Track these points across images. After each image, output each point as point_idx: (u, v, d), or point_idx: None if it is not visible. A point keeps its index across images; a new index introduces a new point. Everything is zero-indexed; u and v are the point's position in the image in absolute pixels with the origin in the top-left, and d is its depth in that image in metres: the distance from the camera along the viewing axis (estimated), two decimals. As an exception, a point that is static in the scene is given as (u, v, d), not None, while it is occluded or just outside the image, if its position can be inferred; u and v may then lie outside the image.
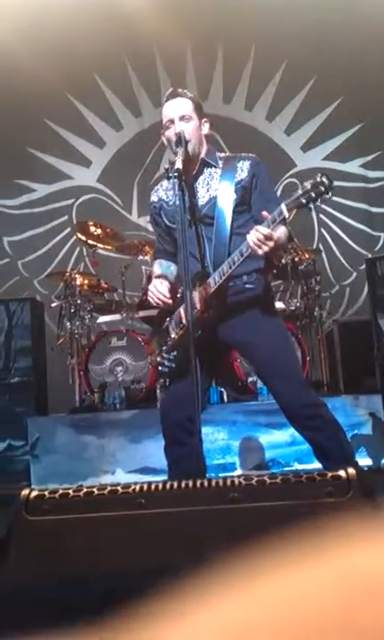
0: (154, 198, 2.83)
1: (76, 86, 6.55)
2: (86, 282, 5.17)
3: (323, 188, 2.26)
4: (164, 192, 2.77)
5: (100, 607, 1.33)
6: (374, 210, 6.41)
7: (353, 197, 6.42)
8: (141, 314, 5.19)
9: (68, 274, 5.15)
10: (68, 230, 6.46)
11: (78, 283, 5.06)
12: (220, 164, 2.67)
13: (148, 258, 5.73)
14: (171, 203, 2.71)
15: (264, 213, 2.38)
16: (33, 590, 1.35)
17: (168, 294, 2.62)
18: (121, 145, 6.71)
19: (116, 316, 5.19)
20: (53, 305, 5.34)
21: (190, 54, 6.49)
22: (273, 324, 2.67)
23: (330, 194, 2.28)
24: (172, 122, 2.62)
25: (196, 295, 2.52)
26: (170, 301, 2.62)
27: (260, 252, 2.36)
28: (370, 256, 5.41)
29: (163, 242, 2.84)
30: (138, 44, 6.37)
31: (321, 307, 5.16)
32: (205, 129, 2.70)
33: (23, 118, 6.45)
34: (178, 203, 2.49)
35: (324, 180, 2.26)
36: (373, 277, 4.18)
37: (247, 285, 2.60)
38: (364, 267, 5.11)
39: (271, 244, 2.35)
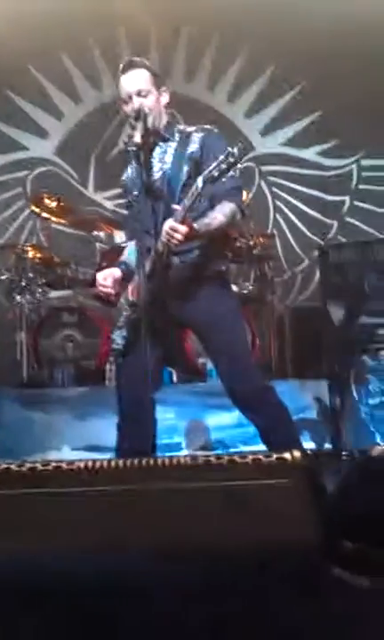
0: (123, 177, 2.79)
1: (36, 56, 6.38)
2: (39, 255, 5.09)
3: (232, 160, 2.27)
4: (131, 168, 2.74)
5: (40, 586, 1.33)
6: (329, 198, 6.47)
7: (308, 185, 6.47)
8: (94, 290, 5.14)
9: (20, 246, 5.06)
10: (22, 203, 6.33)
11: (30, 256, 4.98)
12: (177, 136, 2.63)
13: (102, 234, 5.67)
14: (132, 179, 2.68)
15: (173, 206, 2.39)
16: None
17: (112, 285, 2.59)
18: (80, 118, 6.58)
19: (68, 292, 5.13)
20: (3, 277, 5.24)
21: (154, 30, 6.39)
22: (227, 305, 2.68)
23: (238, 165, 2.32)
24: (129, 97, 2.58)
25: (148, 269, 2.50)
26: (112, 293, 2.60)
27: (170, 244, 2.39)
28: (322, 243, 5.47)
29: (128, 220, 2.81)
30: (101, 16, 6.24)
31: (273, 291, 5.20)
32: (165, 99, 2.66)
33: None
34: (134, 177, 2.47)
35: (235, 151, 2.28)
36: (325, 264, 4.22)
37: (194, 262, 2.60)
38: (316, 254, 5.17)
39: (179, 236, 2.36)
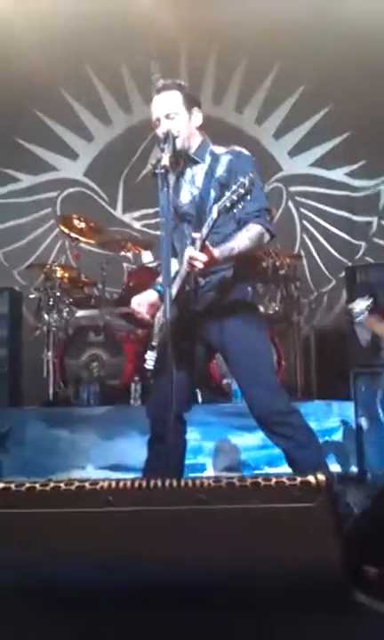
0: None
1: (68, 79, 6.51)
2: (67, 275, 5.14)
3: (242, 191, 2.27)
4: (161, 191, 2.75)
5: (62, 604, 1.33)
6: (356, 218, 6.45)
7: (336, 205, 6.46)
8: (120, 310, 5.18)
9: (48, 266, 5.12)
10: (52, 222, 6.42)
11: (58, 275, 5.04)
12: (208, 159, 2.64)
13: (130, 254, 5.72)
14: (162, 202, 2.70)
15: (193, 234, 2.41)
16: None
17: (147, 309, 2.61)
18: (109, 140, 6.68)
19: (95, 312, 5.16)
20: (32, 296, 5.30)
21: (184, 53, 6.48)
22: (253, 326, 2.67)
23: (248, 197, 2.30)
24: (159, 120, 2.61)
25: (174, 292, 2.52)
26: (147, 317, 2.61)
27: (194, 272, 2.42)
28: (350, 264, 5.45)
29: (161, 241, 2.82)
30: (133, 40, 6.35)
31: (299, 312, 5.18)
32: (197, 120, 2.65)
33: (12, 107, 6.39)
34: (163, 200, 2.49)
35: (246, 181, 2.28)
36: (352, 285, 4.21)
37: (223, 283, 2.60)
38: (343, 274, 5.15)
39: (199, 264, 2.37)
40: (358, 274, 4.21)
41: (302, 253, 6.17)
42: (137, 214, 6.53)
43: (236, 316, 2.60)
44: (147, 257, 6.20)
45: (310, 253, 6.39)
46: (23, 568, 1.36)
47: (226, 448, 4.22)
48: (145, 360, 2.68)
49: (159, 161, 2.40)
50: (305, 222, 6.49)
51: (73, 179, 6.65)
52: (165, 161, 2.40)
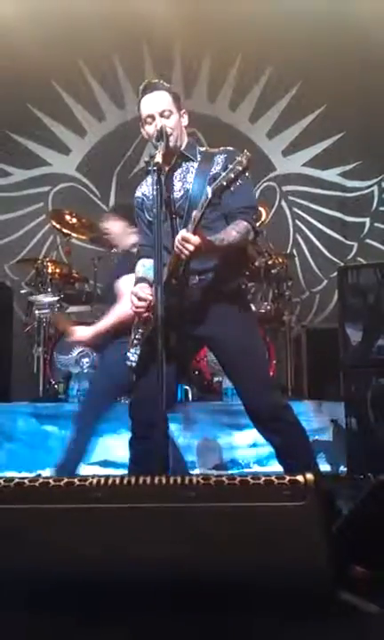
0: (138, 194, 2.81)
1: (61, 73, 6.48)
2: (58, 270, 5.13)
3: (240, 168, 2.28)
4: (148, 187, 2.75)
5: (49, 597, 1.32)
6: (349, 219, 6.47)
7: (329, 205, 6.47)
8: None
9: (39, 261, 5.10)
10: (43, 217, 6.39)
11: (50, 271, 5.02)
12: (199, 157, 2.65)
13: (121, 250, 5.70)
14: (151, 198, 2.69)
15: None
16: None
17: (147, 303, 2.56)
18: (102, 135, 6.66)
19: (86, 307, 5.15)
20: (23, 292, 5.28)
21: (178, 50, 6.47)
22: (245, 322, 2.67)
23: (246, 174, 2.31)
24: (151, 117, 2.61)
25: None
26: (145, 310, 2.56)
27: (182, 255, 2.39)
28: (342, 264, 5.45)
29: (145, 238, 2.81)
30: (127, 36, 6.33)
31: (290, 311, 5.18)
32: (185, 121, 2.69)
33: (5, 101, 6.36)
34: (154, 196, 2.49)
35: (243, 159, 2.29)
36: (343, 286, 4.21)
37: (211, 279, 2.58)
38: (335, 274, 5.15)
39: (190, 247, 2.36)
40: (350, 274, 4.21)
41: (295, 253, 6.17)
42: (129, 211, 6.51)
43: (229, 312, 2.59)
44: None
45: (303, 253, 6.40)
46: (11, 563, 1.36)
47: (215, 446, 4.22)
48: (127, 357, 2.66)
49: (152, 158, 2.40)
50: (298, 222, 6.49)
51: (65, 174, 6.63)
52: (159, 158, 2.40)
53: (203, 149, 2.70)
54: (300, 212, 6.50)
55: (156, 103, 2.61)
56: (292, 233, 6.47)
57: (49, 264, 5.06)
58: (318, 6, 6.17)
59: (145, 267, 2.73)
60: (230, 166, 2.33)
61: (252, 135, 6.57)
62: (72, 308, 5.24)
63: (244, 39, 6.28)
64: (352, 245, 6.43)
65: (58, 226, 5.33)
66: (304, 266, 6.36)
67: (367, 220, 6.47)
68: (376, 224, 6.48)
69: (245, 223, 2.52)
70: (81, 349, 4.82)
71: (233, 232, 2.50)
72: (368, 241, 6.44)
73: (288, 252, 6.06)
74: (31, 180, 6.61)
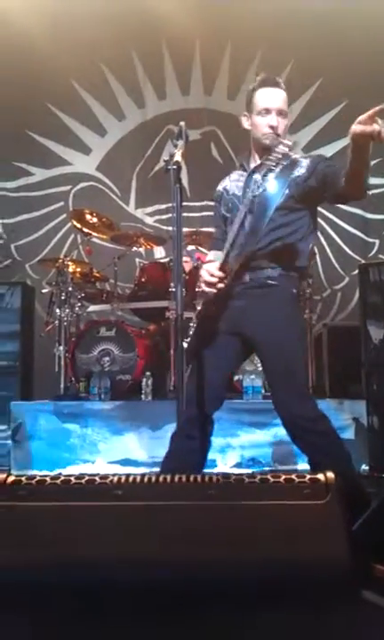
0: (219, 187, 2.83)
1: (82, 73, 6.51)
2: (79, 270, 5.16)
3: (281, 151, 2.34)
4: (230, 182, 2.76)
5: (71, 595, 1.33)
6: (370, 216, 6.42)
7: (350, 203, 6.41)
8: (132, 305, 5.18)
9: (60, 260, 5.13)
10: (64, 216, 6.43)
11: (71, 270, 5.05)
12: (287, 160, 2.62)
13: (142, 249, 5.72)
14: (231, 192, 2.71)
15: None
16: (4, 574, 1.34)
17: (219, 272, 2.53)
18: (122, 135, 6.68)
19: (107, 306, 5.17)
20: (44, 291, 5.32)
21: (198, 49, 6.47)
22: (294, 327, 2.63)
23: (290, 156, 2.39)
24: (267, 111, 2.60)
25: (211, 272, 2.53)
26: (221, 279, 2.52)
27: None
28: (363, 262, 5.42)
29: (219, 231, 2.82)
30: (146, 35, 6.35)
31: (311, 309, 5.16)
32: (287, 124, 2.70)
33: (25, 101, 6.41)
34: (237, 193, 2.58)
35: (290, 143, 2.38)
36: (365, 283, 4.18)
37: (269, 281, 2.57)
38: (356, 272, 5.12)
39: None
40: (371, 271, 4.18)
41: (315, 250, 6.14)
42: (149, 210, 6.53)
43: (282, 316, 2.56)
44: (159, 252, 6.21)
45: (324, 250, 6.36)
46: (34, 560, 1.37)
47: (236, 444, 4.22)
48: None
49: (172, 157, 2.40)
50: (319, 219, 6.44)
51: (85, 173, 6.66)
52: (178, 157, 2.40)
53: (294, 154, 2.66)
54: (320, 209, 6.44)
55: (277, 100, 2.63)
56: (313, 230, 6.43)
57: (70, 263, 5.09)
58: (339, 3, 6.13)
59: (216, 256, 2.71)
60: (275, 150, 2.38)
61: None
62: (93, 307, 5.26)
63: (263, 37, 6.26)
64: (373, 242, 6.38)
65: (78, 225, 5.35)
66: (325, 263, 6.33)
67: (389, 216, 6.42)
68: (398, 221, 6.43)
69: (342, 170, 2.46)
70: (102, 348, 4.84)
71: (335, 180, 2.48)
72: (390, 238, 6.39)
73: (309, 249, 6.03)
74: (52, 179, 6.65)
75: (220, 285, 2.51)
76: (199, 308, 2.65)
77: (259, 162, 2.64)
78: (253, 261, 2.53)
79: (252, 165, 2.66)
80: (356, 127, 2.23)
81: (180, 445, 2.56)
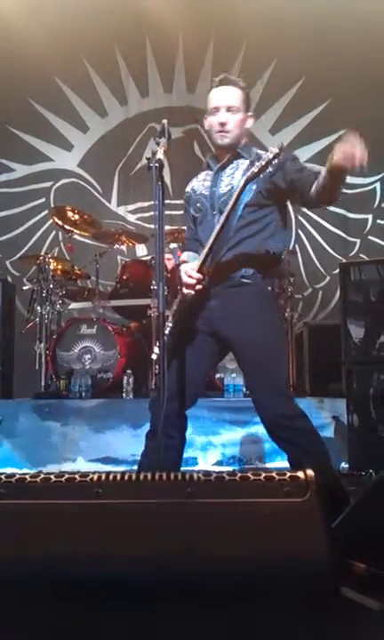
0: (187, 188, 2.82)
1: (64, 69, 6.48)
2: (60, 267, 5.13)
3: (271, 155, 2.35)
4: (198, 182, 2.76)
5: (50, 591, 1.33)
6: (351, 216, 6.45)
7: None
8: (113, 303, 5.17)
9: (41, 257, 5.10)
10: (45, 213, 6.40)
11: (52, 267, 5.02)
12: (252, 157, 2.61)
13: (123, 247, 5.71)
14: (198, 192, 2.70)
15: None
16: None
17: (197, 274, 2.51)
18: (105, 131, 6.66)
19: (88, 304, 5.16)
20: (25, 288, 5.28)
21: (181, 46, 6.46)
22: (273, 327, 2.64)
23: (275, 162, 2.38)
24: (217, 109, 2.61)
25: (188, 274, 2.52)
26: (199, 281, 2.51)
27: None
28: (344, 261, 5.45)
29: (188, 232, 2.82)
30: (129, 32, 6.34)
31: (293, 308, 5.18)
32: (249, 123, 2.69)
33: (7, 96, 6.37)
34: (205, 192, 2.58)
35: (276, 150, 2.35)
36: (346, 282, 4.20)
37: (243, 279, 2.57)
38: (337, 271, 5.15)
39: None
40: (352, 271, 4.20)
41: (297, 249, 6.17)
42: (131, 207, 6.51)
43: (257, 315, 2.56)
44: (141, 250, 6.20)
45: (305, 249, 6.39)
46: (12, 558, 1.36)
47: (217, 442, 4.23)
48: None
49: (154, 154, 2.39)
50: (300, 218, 6.48)
51: (67, 169, 6.63)
52: (160, 155, 2.39)
53: (257, 150, 2.68)
54: (302, 209, 6.49)
55: (226, 97, 2.63)
56: (295, 229, 6.46)
57: (51, 260, 5.06)
58: (323, 2, 6.15)
59: (190, 257, 2.71)
60: (264, 155, 2.38)
61: (254, 131, 6.54)
62: (74, 305, 5.24)
63: (246, 35, 6.27)
64: (354, 242, 6.42)
65: (60, 222, 5.33)
66: (306, 262, 6.36)
67: (370, 216, 6.45)
68: (378, 220, 6.46)
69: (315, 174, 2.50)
70: (83, 346, 4.82)
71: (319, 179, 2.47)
72: (370, 237, 6.43)
73: (290, 248, 6.05)
74: (33, 175, 6.62)
75: (199, 287, 2.51)
76: (175, 307, 2.65)
77: (223, 160, 2.65)
78: (227, 261, 2.53)
79: (218, 164, 2.66)
80: (339, 160, 2.27)
81: (156, 443, 2.56)
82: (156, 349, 2.61)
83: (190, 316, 2.55)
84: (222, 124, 2.58)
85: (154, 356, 2.67)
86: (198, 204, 2.69)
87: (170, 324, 2.63)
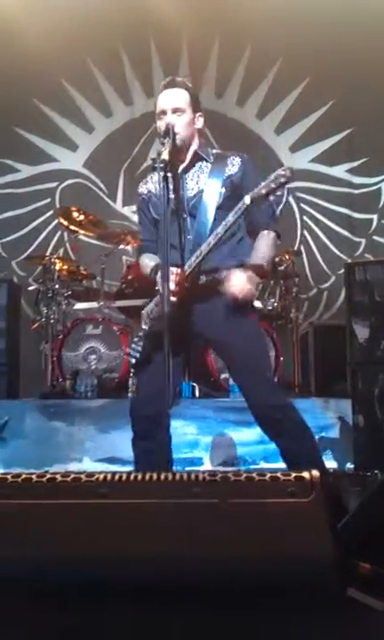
0: (142, 190, 2.82)
1: (69, 69, 6.49)
2: (65, 267, 5.14)
3: (283, 180, 2.35)
4: (154, 184, 2.76)
5: (54, 591, 1.33)
6: (357, 215, 6.45)
7: (337, 202, 6.45)
8: (119, 303, 5.18)
9: (47, 258, 5.11)
10: (51, 213, 6.41)
11: (57, 267, 5.03)
12: (212, 159, 2.68)
13: (129, 247, 5.71)
14: (158, 195, 2.69)
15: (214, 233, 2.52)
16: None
17: (177, 279, 2.54)
18: (110, 132, 6.66)
19: (93, 304, 5.16)
20: (31, 288, 5.29)
21: (185, 46, 6.47)
22: (249, 323, 2.67)
23: (286, 186, 2.44)
24: (164, 113, 2.62)
25: (173, 280, 2.51)
26: (181, 285, 2.55)
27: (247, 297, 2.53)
28: (349, 261, 5.44)
29: (147, 233, 2.82)
30: (134, 32, 6.34)
31: (298, 308, 5.18)
32: (199, 123, 2.71)
33: (12, 97, 6.38)
34: (163, 194, 2.49)
35: (287, 172, 2.36)
36: (351, 282, 4.20)
37: (217, 281, 2.59)
38: (342, 271, 5.15)
39: (250, 286, 2.52)
40: (358, 271, 4.20)
41: (302, 249, 6.17)
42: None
43: (236, 313, 2.60)
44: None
45: (310, 249, 6.39)
46: (18, 558, 1.36)
47: (223, 443, 4.23)
48: (129, 353, 2.68)
49: (159, 155, 2.40)
50: (305, 218, 6.48)
51: (72, 170, 6.64)
52: (165, 155, 2.40)
53: (215, 151, 2.72)
54: (307, 209, 6.49)
55: (171, 100, 2.63)
56: (300, 229, 6.45)
57: (56, 261, 5.07)
58: (327, 0, 6.15)
59: (151, 259, 2.73)
60: (272, 176, 2.43)
61: (259, 131, 6.56)
62: (79, 305, 5.25)
63: (251, 34, 6.27)
64: (360, 242, 6.41)
65: (65, 223, 5.33)
66: (311, 262, 6.35)
67: (375, 216, 6.45)
68: (383, 220, 6.46)
69: (273, 233, 2.63)
70: (88, 346, 4.83)
71: (268, 250, 2.61)
72: (376, 237, 6.42)
73: (295, 248, 6.05)
74: (38, 176, 6.63)
75: (177, 291, 2.53)
76: (153, 308, 2.67)
77: (184, 164, 2.66)
78: (205, 264, 2.55)
79: (180, 167, 2.65)
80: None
81: (142, 448, 2.59)
82: (135, 350, 2.65)
83: (170, 318, 2.54)
84: (169, 127, 2.57)
85: (131, 358, 2.68)
86: (155, 205, 2.68)
87: (144, 326, 2.66)
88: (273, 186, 2.40)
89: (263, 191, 2.41)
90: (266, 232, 2.64)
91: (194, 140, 2.68)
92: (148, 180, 2.82)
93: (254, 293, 2.55)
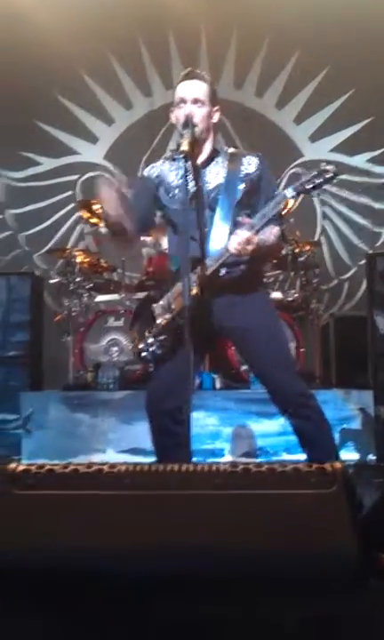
0: (153, 172, 2.78)
1: (89, 62, 6.48)
2: (87, 260, 5.16)
3: (328, 176, 2.36)
4: (169, 172, 2.74)
5: (77, 582, 1.35)
6: (377, 206, 6.39)
7: (357, 192, 6.40)
8: (140, 295, 5.19)
9: (68, 251, 5.14)
10: (72, 206, 6.43)
11: (79, 260, 5.06)
12: (228, 156, 2.68)
13: (149, 239, 5.72)
14: (174, 184, 2.69)
15: (242, 219, 2.51)
16: (12, 561, 1.37)
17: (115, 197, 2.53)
18: (130, 124, 6.66)
19: (115, 296, 5.18)
20: (53, 281, 5.32)
21: (204, 37, 6.43)
22: (266, 312, 2.69)
23: (331, 182, 2.47)
24: (183, 102, 2.62)
25: (194, 277, 2.51)
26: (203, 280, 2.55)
27: (241, 253, 2.47)
28: (370, 252, 5.40)
29: (145, 215, 2.78)
30: (153, 24, 6.32)
31: (318, 299, 5.16)
32: (215, 117, 2.70)
33: (33, 90, 6.40)
34: (185, 185, 2.49)
35: (331, 168, 2.36)
36: (372, 273, 4.18)
37: (239, 274, 2.62)
38: (363, 262, 5.11)
39: (250, 247, 2.45)
40: (379, 261, 4.17)
41: (322, 240, 6.13)
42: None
43: (253, 303, 2.62)
44: (166, 242, 6.20)
45: (330, 240, 6.35)
46: (42, 548, 1.39)
47: (244, 434, 4.24)
48: (145, 348, 2.65)
49: (179, 146, 2.40)
50: (325, 209, 6.43)
51: (93, 162, 6.65)
52: (185, 146, 2.40)
53: (230, 150, 2.72)
54: (327, 199, 6.44)
55: (192, 90, 2.63)
56: (320, 220, 6.41)
57: (78, 253, 5.10)
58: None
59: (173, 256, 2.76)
60: (316, 171, 2.48)
61: (279, 121, 6.51)
62: (100, 297, 5.27)
63: (270, 24, 6.22)
64: (381, 232, 6.36)
65: (86, 215, 5.35)
66: (332, 253, 6.31)
67: (397, 206, 6.39)
68: (405, 210, 6.40)
69: (278, 228, 2.63)
70: (110, 338, 4.85)
71: (272, 236, 2.59)
72: (397, 228, 6.37)
73: (316, 239, 6.02)
74: (60, 168, 6.64)
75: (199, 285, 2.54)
76: (170, 299, 2.67)
77: (204, 157, 2.66)
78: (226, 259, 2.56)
79: (199, 159, 2.64)
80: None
81: (162, 441, 2.60)
82: (150, 347, 2.64)
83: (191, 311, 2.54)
84: (188, 117, 2.57)
85: (145, 354, 2.67)
86: (172, 195, 2.67)
87: (159, 320, 2.65)
88: (317, 181, 2.42)
89: (308, 186, 2.42)
90: (272, 225, 2.62)
91: (210, 133, 2.68)
92: (156, 166, 2.80)
93: (248, 253, 2.50)
